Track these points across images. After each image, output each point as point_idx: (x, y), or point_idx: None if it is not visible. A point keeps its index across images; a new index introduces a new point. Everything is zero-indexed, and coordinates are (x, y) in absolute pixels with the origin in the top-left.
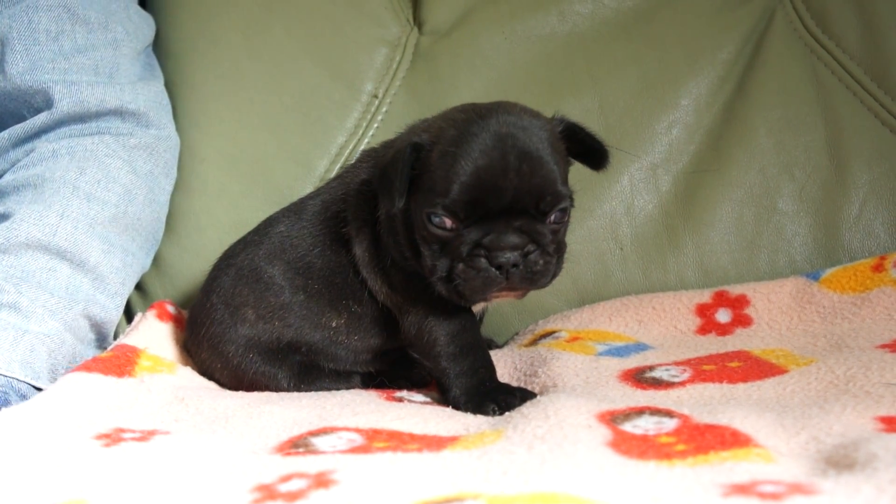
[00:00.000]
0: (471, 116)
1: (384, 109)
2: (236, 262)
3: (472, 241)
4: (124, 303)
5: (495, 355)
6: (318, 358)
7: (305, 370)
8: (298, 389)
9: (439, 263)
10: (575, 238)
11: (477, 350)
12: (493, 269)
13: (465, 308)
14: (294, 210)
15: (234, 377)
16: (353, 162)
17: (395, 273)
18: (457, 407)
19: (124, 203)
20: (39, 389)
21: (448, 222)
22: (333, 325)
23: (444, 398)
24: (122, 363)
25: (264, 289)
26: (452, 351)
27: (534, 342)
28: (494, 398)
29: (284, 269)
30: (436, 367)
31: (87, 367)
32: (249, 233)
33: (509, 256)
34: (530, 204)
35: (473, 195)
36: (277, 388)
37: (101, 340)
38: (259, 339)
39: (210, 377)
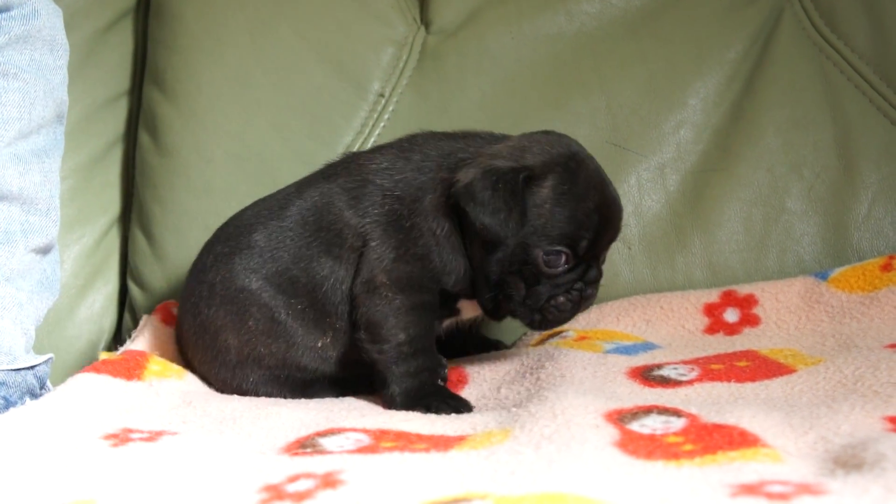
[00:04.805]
0: (566, 149)
1: (391, 109)
2: (208, 278)
3: (577, 276)
4: (58, 212)
5: (503, 355)
6: (312, 373)
7: (299, 387)
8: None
9: (534, 294)
10: None
11: (428, 353)
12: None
13: (434, 313)
14: (273, 212)
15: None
16: (349, 158)
17: (406, 264)
18: (390, 405)
19: (26, 111)
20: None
21: (565, 260)
22: (319, 345)
23: (381, 393)
24: (130, 367)
25: (242, 311)
26: (406, 351)
27: (542, 342)
28: (427, 403)
29: (262, 285)
30: (382, 361)
31: (96, 368)
32: (218, 241)
33: (595, 287)
34: (616, 237)
35: (598, 235)
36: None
37: (45, 253)
38: (244, 364)
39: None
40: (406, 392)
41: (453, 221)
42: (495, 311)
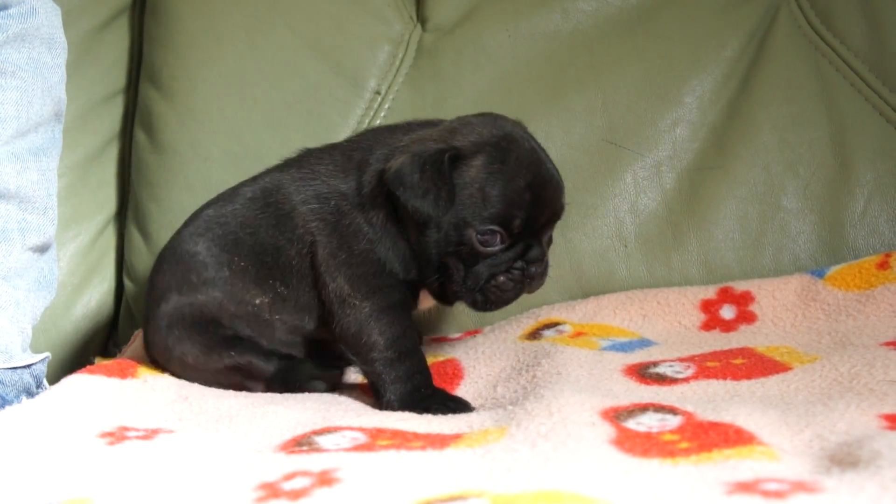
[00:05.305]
0: (498, 130)
1: (387, 106)
2: (162, 253)
3: (516, 256)
4: (56, 211)
5: (498, 347)
6: (243, 332)
7: (228, 341)
8: (221, 358)
9: (473, 274)
10: (579, 236)
11: (414, 355)
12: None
13: (407, 311)
14: (224, 196)
15: (168, 362)
16: (303, 154)
17: (359, 266)
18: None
19: (24, 109)
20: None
21: (500, 239)
22: (256, 302)
23: (378, 402)
24: (124, 367)
25: (186, 269)
26: (390, 356)
27: (536, 330)
28: (427, 406)
29: (209, 246)
30: (371, 370)
31: (90, 370)
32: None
33: (539, 266)
34: (558, 216)
35: (532, 213)
36: (202, 360)
37: (42, 251)
38: (182, 314)
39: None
40: (401, 398)
41: (389, 210)
42: (442, 295)
